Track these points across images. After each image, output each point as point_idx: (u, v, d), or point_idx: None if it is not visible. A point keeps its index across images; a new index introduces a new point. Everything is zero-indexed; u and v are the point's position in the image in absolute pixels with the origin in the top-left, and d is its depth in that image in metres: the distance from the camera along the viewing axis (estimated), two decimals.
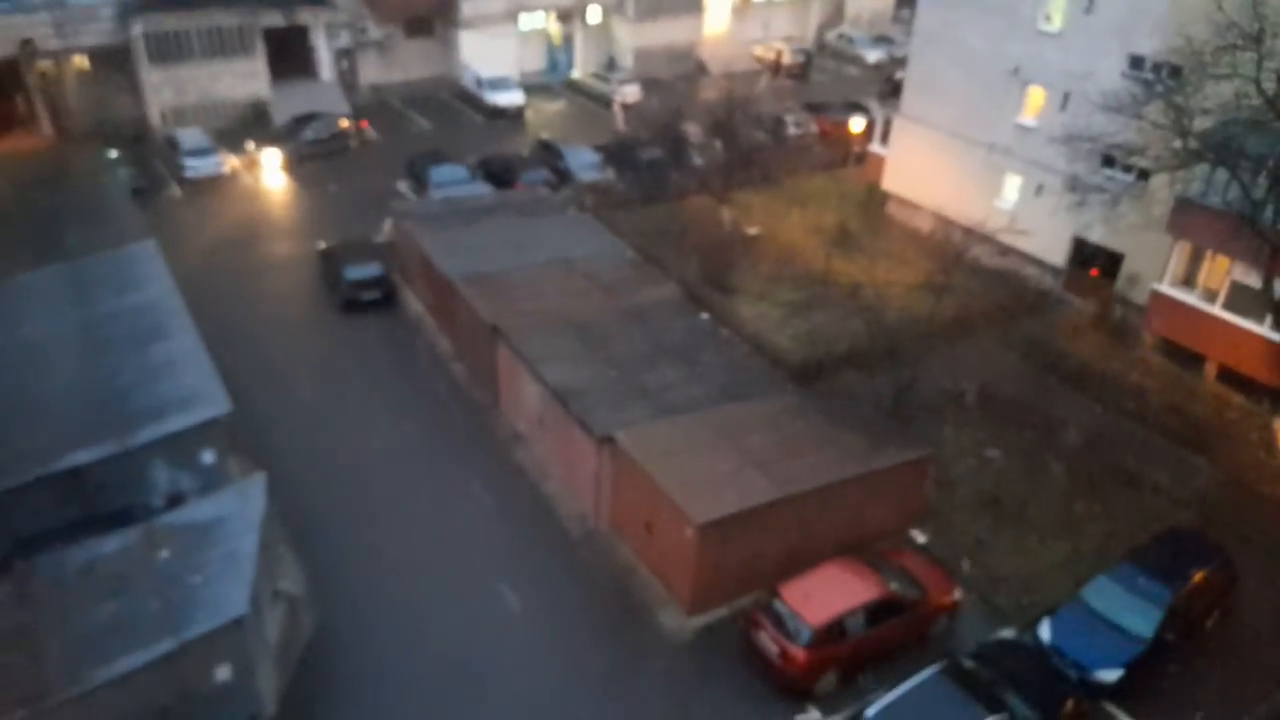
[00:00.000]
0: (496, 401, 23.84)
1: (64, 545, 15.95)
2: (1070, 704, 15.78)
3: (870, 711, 15.19)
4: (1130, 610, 17.15)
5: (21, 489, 17.02)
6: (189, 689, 14.35)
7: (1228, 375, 24.76)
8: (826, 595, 16.72)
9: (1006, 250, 29.62)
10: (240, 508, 16.71)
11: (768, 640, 16.62)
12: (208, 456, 18.74)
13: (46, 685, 13.42)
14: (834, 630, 16.33)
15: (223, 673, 14.64)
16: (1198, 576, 17.83)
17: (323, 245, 30.70)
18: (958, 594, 18.15)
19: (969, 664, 16.01)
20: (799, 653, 16.16)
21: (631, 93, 46.18)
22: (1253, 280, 23.23)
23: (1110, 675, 16.50)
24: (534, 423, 22.12)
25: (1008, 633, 17.97)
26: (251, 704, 15.18)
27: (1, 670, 13.62)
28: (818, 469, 18.48)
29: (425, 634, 17.67)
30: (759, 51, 54.10)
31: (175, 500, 17.86)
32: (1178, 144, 21.79)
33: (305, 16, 43.35)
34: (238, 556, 15.54)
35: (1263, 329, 23.45)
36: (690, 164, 36.09)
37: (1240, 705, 16.73)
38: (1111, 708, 16.56)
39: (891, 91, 35.69)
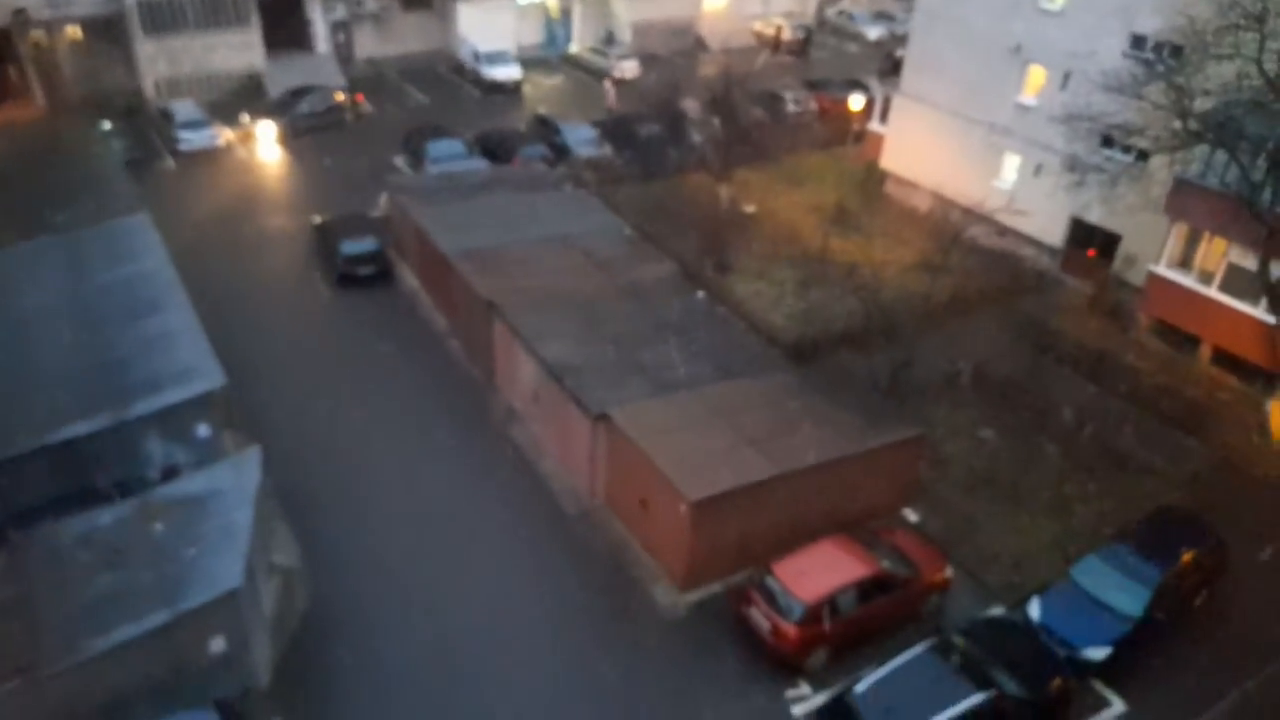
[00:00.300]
0: (492, 378, 23.84)
1: (59, 518, 15.99)
2: (1058, 682, 15.92)
3: (860, 687, 15.28)
4: (1119, 589, 17.25)
5: (16, 461, 17.02)
6: (183, 660, 14.45)
7: (1222, 357, 24.83)
8: (819, 572, 16.81)
9: (1004, 230, 29.56)
10: (235, 481, 16.76)
11: (760, 616, 16.72)
12: (202, 430, 18.75)
13: (42, 656, 13.50)
14: (826, 607, 16.43)
15: (217, 644, 14.75)
16: (1187, 556, 17.94)
17: (318, 220, 30.55)
18: (949, 572, 18.26)
19: (958, 641, 16.12)
20: (791, 629, 16.27)
21: (630, 68, 45.94)
22: (1249, 263, 23.19)
23: (1098, 653, 16.63)
24: (529, 399, 22.13)
25: (997, 610, 18.10)
26: (245, 675, 15.29)
27: None
28: (812, 447, 18.50)
29: (418, 607, 17.74)
30: (758, 27, 53.70)
31: (170, 473, 17.89)
32: (1177, 125, 21.71)
33: None
34: (232, 529, 15.60)
35: (1258, 311, 23.47)
36: (688, 141, 35.88)
37: (1228, 683, 16.89)
38: (1099, 685, 16.71)
39: (891, 69, 35.45)
